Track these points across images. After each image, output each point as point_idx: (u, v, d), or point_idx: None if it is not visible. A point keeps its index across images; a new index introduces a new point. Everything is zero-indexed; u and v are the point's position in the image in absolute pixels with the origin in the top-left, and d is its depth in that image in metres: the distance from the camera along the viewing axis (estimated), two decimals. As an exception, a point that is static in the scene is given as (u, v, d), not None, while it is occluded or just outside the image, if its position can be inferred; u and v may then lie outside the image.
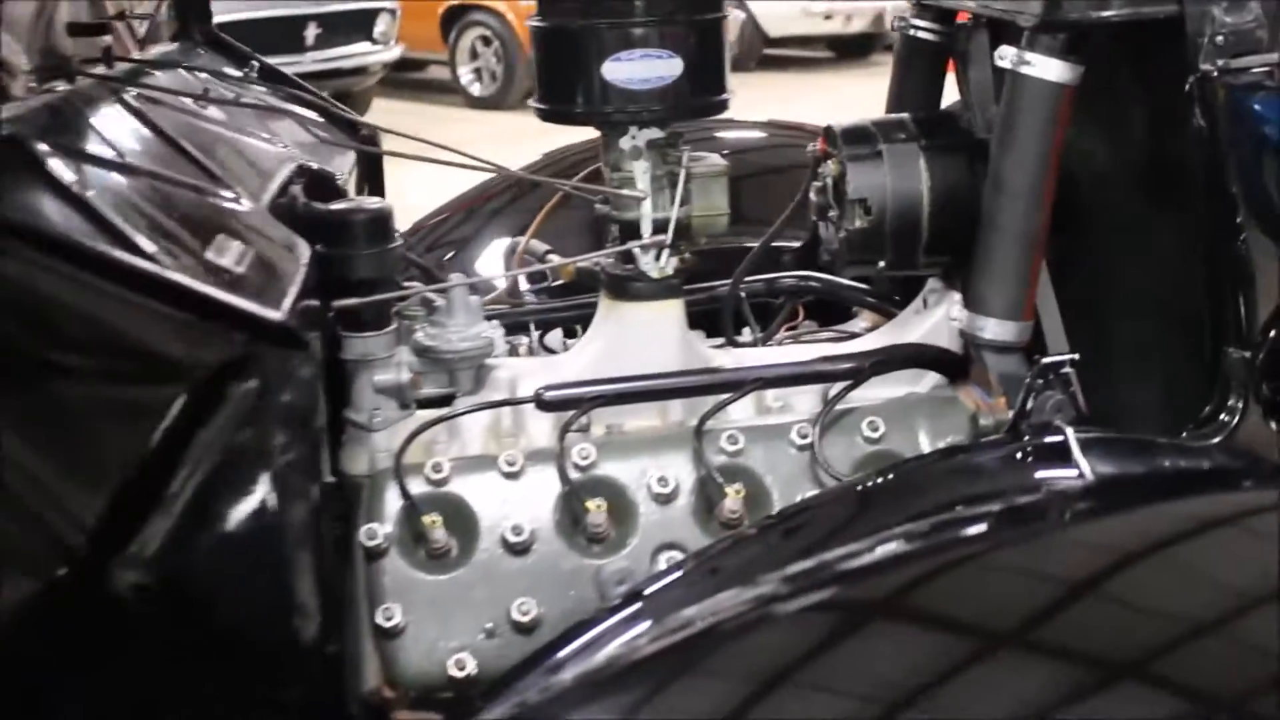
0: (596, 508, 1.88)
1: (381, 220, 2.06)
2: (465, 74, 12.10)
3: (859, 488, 1.74)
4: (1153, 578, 1.41)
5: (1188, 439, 1.85)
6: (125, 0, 2.33)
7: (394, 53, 10.84)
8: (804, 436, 1.97)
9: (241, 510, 1.43)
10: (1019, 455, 1.73)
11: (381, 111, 11.50)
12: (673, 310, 2.10)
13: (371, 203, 2.08)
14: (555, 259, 2.44)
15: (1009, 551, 1.51)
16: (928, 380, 2.14)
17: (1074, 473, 1.60)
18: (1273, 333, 1.72)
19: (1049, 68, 1.88)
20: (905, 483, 1.70)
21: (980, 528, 1.57)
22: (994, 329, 1.97)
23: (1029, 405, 1.79)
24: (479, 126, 10.71)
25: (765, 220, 2.35)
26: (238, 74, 2.60)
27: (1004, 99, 1.93)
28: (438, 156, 2.09)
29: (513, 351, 2.37)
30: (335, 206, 2.07)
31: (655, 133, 2.05)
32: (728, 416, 2.07)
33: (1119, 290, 2.11)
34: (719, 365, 2.13)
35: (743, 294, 2.38)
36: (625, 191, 2.06)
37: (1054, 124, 1.90)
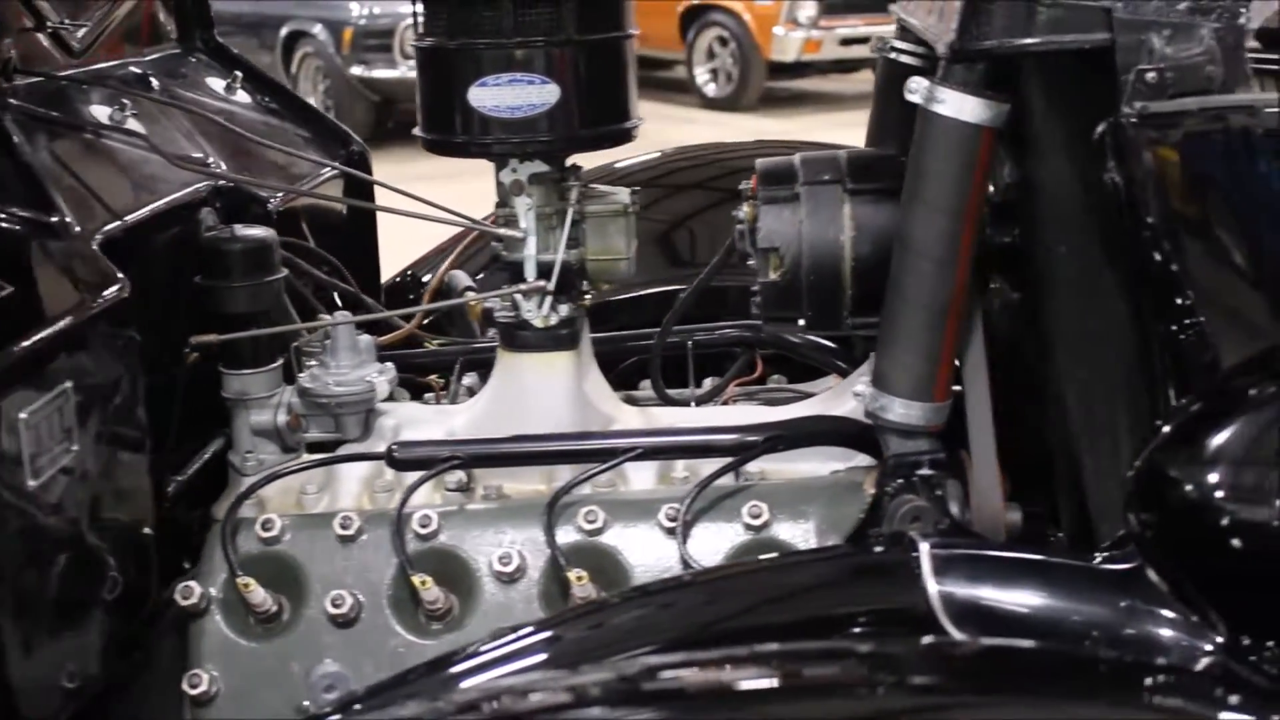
0: (422, 584, 1.69)
1: (256, 252, 1.93)
2: (701, 74, 11.96)
3: (657, 592, 1.48)
4: None
5: (1100, 561, 1.51)
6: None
7: (622, 52, 10.77)
8: (672, 519, 1.73)
9: None
10: (857, 574, 1.45)
11: (613, 110, 11.50)
12: (563, 363, 1.89)
13: (249, 232, 1.94)
14: (473, 295, 2.25)
15: None
16: (859, 458, 1.86)
17: (918, 602, 1.32)
18: (1154, 444, 1.35)
19: (964, 106, 1.58)
20: (713, 595, 1.43)
21: (772, 681, 1.29)
22: (899, 410, 1.67)
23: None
24: (709, 127, 10.56)
25: None
26: (220, 83, 2.50)
27: (914, 141, 1.64)
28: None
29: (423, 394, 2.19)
30: (209, 235, 1.94)
31: (539, 166, 1.84)
32: (624, 485, 1.85)
33: (1072, 368, 1.77)
34: (621, 426, 1.91)
35: (689, 344, 2.14)
36: (504, 230, 1.85)
37: (970, 171, 1.60)
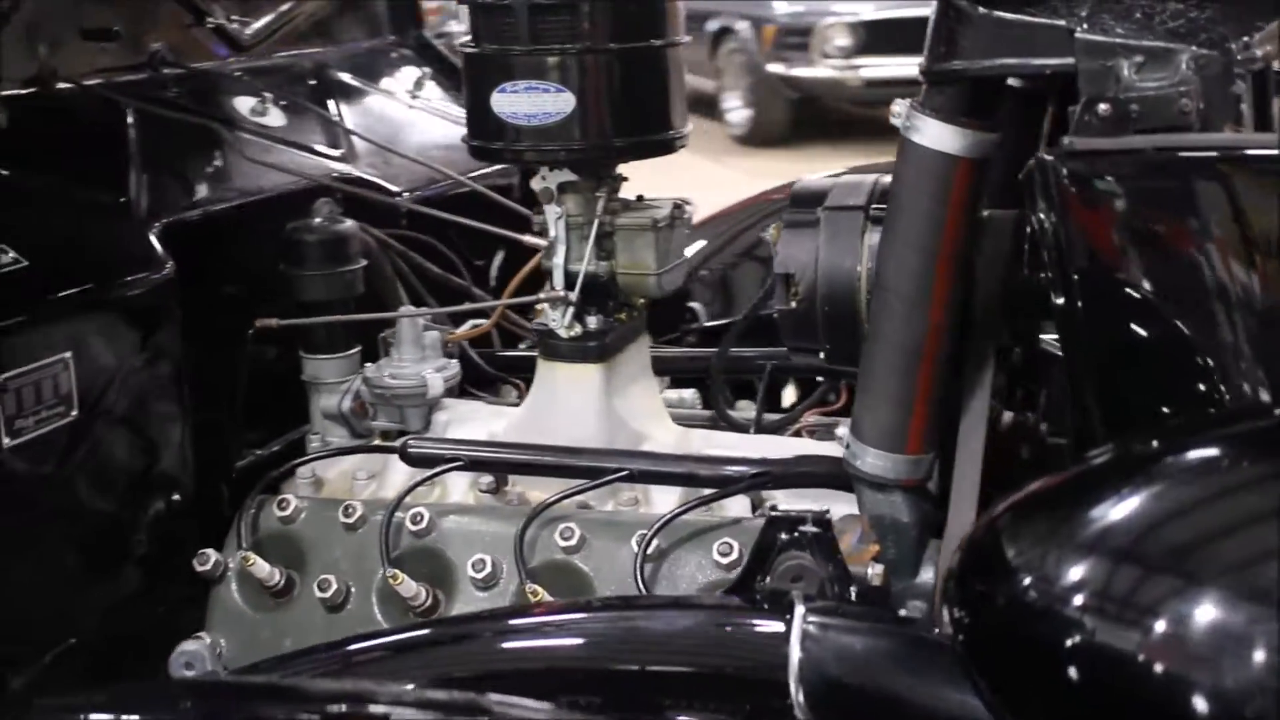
0: (394, 578, 1.72)
1: (331, 243, 2.01)
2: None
3: (505, 622, 1.43)
4: None
5: None
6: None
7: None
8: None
9: None
10: (727, 628, 1.35)
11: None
12: (589, 375, 1.86)
13: (329, 225, 2.03)
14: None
15: None
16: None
17: (776, 671, 1.22)
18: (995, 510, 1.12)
19: (938, 134, 1.43)
20: (572, 632, 1.37)
21: None
22: (870, 460, 1.54)
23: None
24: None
25: None
26: (411, 78, 2.62)
27: (894, 170, 1.50)
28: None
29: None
30: (290, 226, 2.04)
31: (567, 175, 1.82)
32: (645, 506, 1.81)
33: None
34: (650, 446, 1.86)
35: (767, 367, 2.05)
36: (533, 239, 1.84)
37: (943, 206, 1.45)
